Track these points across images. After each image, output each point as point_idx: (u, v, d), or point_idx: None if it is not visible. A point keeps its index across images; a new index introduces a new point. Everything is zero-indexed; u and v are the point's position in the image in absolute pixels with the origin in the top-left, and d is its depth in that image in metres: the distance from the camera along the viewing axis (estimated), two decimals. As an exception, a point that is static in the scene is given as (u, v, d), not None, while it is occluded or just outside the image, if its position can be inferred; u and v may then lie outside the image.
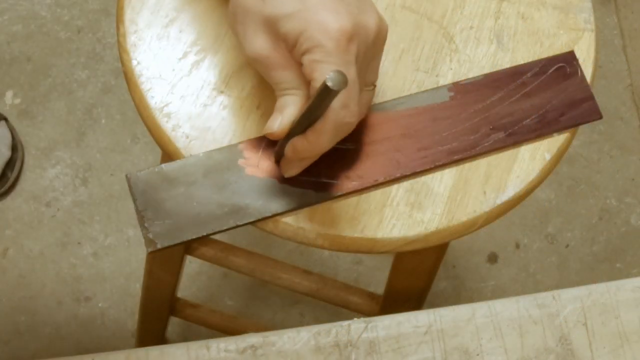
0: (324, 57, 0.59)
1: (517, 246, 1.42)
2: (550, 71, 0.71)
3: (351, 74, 0.59)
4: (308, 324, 0.70)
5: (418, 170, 0.67)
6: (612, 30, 1.55)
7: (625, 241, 1.43)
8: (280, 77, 0.62)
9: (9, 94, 1.43)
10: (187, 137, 0.67)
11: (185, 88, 0.68)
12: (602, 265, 1.42)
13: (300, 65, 0.61)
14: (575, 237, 1.43)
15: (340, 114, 0.59)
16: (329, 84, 0.55)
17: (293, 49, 0.60)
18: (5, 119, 1.36)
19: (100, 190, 1.39)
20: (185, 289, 1.33)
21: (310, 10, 0.59)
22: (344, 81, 0.55)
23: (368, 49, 0.61)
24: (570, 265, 1.41)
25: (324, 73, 0.58)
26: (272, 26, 0.60)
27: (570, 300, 0.67)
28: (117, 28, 0.70)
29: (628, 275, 1.41)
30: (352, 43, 0.59)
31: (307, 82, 0.61)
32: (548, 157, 0.69)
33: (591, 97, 0.70)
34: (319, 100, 0.57)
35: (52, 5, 1.49)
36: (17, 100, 1.43)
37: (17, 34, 1.46)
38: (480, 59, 0.71)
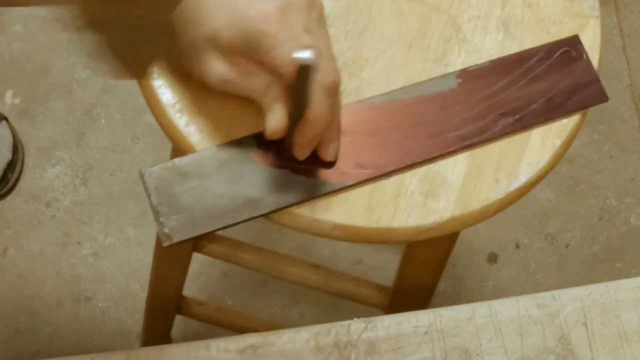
0: (278, 42, 0.60)
1: (517, 246, 1.42)
2: (556, 55, 0.71)
3: (307, 40, 0.61)
4: (308, 323, 0.70)
5: (429, 157, 0.67)
6: (612, 30, 1.55)
7: (625, 241, 1.43)
8: (252, 85, 0.63)
9: (9, 94, 1.43)
10: (201, 132, 0.67)
11: (197, 83, 0.68)
12: (602, 265, 1.42)
13: (260, 62, 0.62)
14: (575, 237, 1.43)
15: (322, 78, 0.60)
16: (303, 62, 0.56)
17: (245, 52, 0.61)
18: (6, 119, 1.36)
19: (100, 190, 1.39)
20: (186, 289, 1.33)
21: (239, 11, 0.61)
22: (313, 51, 0.56)
23: (308, 13, 0.63)
24: (570, 265, 1.41)
25: (288, 54, 0.59)
26: (216, 43, 0.62)
27: (570, 300, 0.67)
28: (127, 25, 0.70)
29: (628, 275, 1.41)
30: (290, 14, 0.61)
31: (276, 73, 0.62)
32: (558, 143, 0.70)
33: (597, 80, 0.71)
34: (302, 81, 0.58)
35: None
36: (17, 100, 1.43)
37: (17, 34, 1.46)
38: (488, 47, 0.72)
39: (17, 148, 1.36)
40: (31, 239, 1.35)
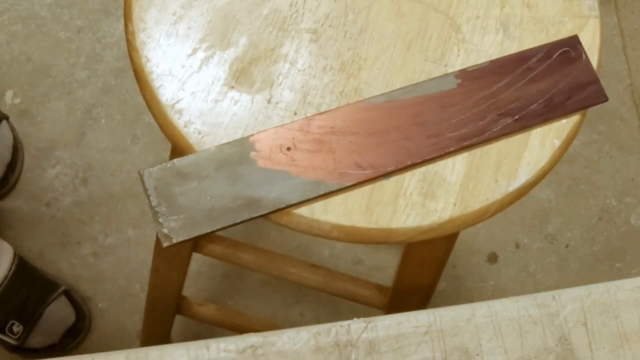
0: None
1: (517, 246, 1.41)
2: (555, 55, 0.71)
3: None
4: (308, 323, 0.70)
5: (429, 157, 0.67)
6: (612, 30, 1.55)
7: (625, 241, 1.43)
8: None
9: (9, 94, 1.43)
10: (200, 133, 0.67)
11: (196, 84, 0.69)
12: (602, 265, 1.41)
13: None
14: (575, 237, 1.43)
15: None
16: None
17: None
18: (7, 119, 1.36)
19: (100, 190, 1.39)
20: (186, 290, 1.33)
21: None
22: None
23: None
24: (570, 265, 1.41)
25: None
26: None
27: (570, 300, 0.67)
28: (126, 26, 0.70)
29: (628, 275, 1.41)
30: None
31: None
32: (557, 143, 0.70)
33: (596, 80, 0.71)
34: None
35: (52, 5, 1.48)
36: (17, 100, 1.43)
37: (17, 34, 1.46)
38: (487, 48, 0.72)
39: (17, 148, 1.36)
40: (31, 239, 1.35)
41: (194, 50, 0.70)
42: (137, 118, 1.43)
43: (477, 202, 0.67)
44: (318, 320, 1.34)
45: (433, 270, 0.85)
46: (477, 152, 0.69)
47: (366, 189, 0.67)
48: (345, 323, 0.66)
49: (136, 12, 0.70)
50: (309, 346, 0.65)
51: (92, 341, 1.31)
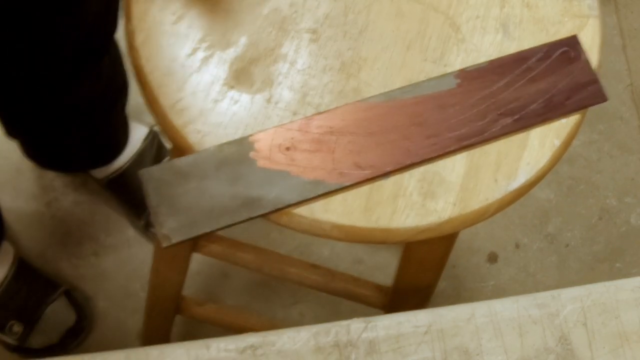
0: None
1: (517, 246, 1.41)
2: (555, 56, 0.71)
3: None
4: (308, 323, 0.70)
5: (428, 157, 0.67)
6: (612, 30, 1.55)
7: (625, 241, 1.43)
8: None
9: (9, 94, 1.43)
10: (199, 132, 0.67)
11: (196, 84, 0.69)
12: (602, 265, 1.42)
13: None
14: (575, 237, 1.43)
15: None
16: None
17: None
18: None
19: (101, 189, 1.39)
20: (185, 289, 1.33)
21: None
22: None
23: None
24: (570, 265, 1.41)
25: None
26: None
27: (570, 300, 0.67)
28: (126, 26, 0.70)
29: (628, 275, 1.41)
30: None
31: None
32: (557, 143, 0.70)
33: (596, 80, 0.71)
34: None
35: (52, 5, 1.48)
36: (17, 100, 1.42)
37: (17, 34, 1.46)
38: (487, 47, 0.72)
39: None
40: (31, 239, 1.35)
41: (194, 50, 0.70)
42: (137, 118, 1.43)
43: (477, 202, 0.67)
44: (318, 320, 1.34)
45: (433, 270, 0.85)
46: (477, 152, 0.69)
47: (365, 188, 0.67)
48: (345, 323, 0.66)
49: (136, 12, 0.70)
50: (309, 346, 0.65)
51: (93, 341, 1.31)
